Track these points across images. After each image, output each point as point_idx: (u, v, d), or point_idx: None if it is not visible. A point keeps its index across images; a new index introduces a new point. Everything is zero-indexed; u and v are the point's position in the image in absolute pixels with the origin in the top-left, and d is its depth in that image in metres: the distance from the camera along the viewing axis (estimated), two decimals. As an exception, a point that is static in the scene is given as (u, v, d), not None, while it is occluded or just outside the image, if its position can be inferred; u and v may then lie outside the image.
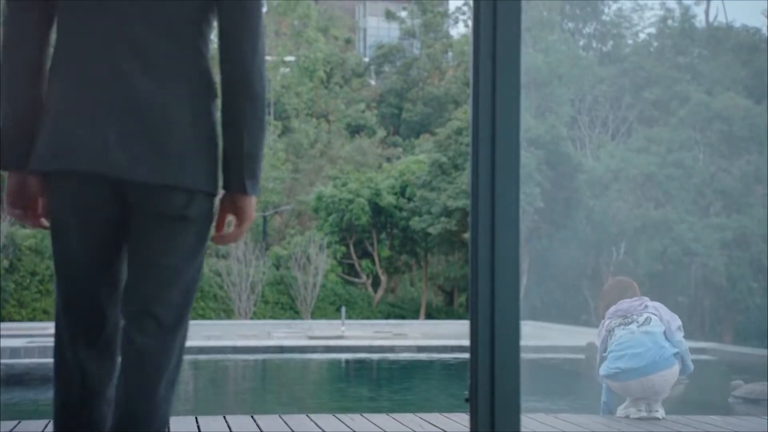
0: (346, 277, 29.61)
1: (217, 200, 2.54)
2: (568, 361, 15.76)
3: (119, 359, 2.54)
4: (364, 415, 6.07)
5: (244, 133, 2.45)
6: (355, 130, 36.06)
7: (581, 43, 33.66)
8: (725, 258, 24.64)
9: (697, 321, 24.67)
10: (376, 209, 29.07)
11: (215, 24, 2.52)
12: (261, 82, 2.47)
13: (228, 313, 25.94)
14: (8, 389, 10.79)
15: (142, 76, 2.40)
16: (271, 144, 32.46)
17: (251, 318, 25.93)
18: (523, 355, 2.41)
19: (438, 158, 27.87)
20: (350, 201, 28.68)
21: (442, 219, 27.34)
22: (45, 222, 2.57)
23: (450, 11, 39.76)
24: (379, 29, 50.12)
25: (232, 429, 5.22)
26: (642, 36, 33.92)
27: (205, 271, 23.26)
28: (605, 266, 25.44)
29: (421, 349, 17.32)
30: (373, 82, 40.39)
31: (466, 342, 2.50)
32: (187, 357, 2.69)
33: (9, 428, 5.16)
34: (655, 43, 32.02)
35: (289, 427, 5.41)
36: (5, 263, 24.59)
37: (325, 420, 5.74)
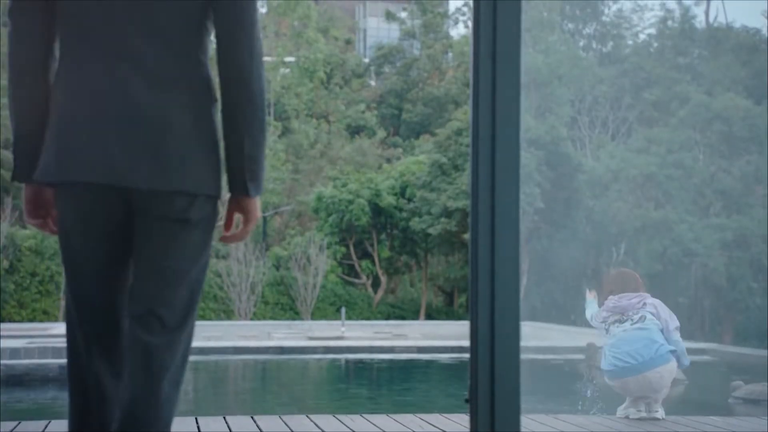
0: (346, 277, 29.61)
1: (221, 201, 2.59)
2: (568, 362, 15.76)
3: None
4: (364, 415, 6.07)
5: (245, 136, 2.49)
6: (355, 131, 36.06)
7: (581, 43, 33.66)
8: (725, 258, 24.64)
9: (697, 321, 24.67)
10: (376, 210, 29.07)
11: (212, 29, 2.55)
12: (260, 86, 2.50)
13: (228, 314, 25.95)
14: (8, 390, 10.79)
15: (142, 86, 2.44)
16: (271, 145, 32.46)
17: (251, 319, 25.93)
18: (523, 356, 2.41)
19: (438, 159, 27.87)
20: (350, 202, 28.68)
21: (442, 219, 27.34)
22: None
23: (450, 12, 39.76)
24: (379, 30, 50.12)
25: (232, 429, 5.22)
26: (642, 36, 33.93)
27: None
28: (605, 267, 25.44)
29: (421, 349, 17.32)
30: (373, 83, 40.39)
31: (466, 343, 2.50)
32: (187, 357, 2.70)
33: (9, 429, 5.16)
34: (655, 44, 32.03)
35: (289, 427, 5.41)
36: (5, 264, 24.59)
37: (325, 420, 5.74)
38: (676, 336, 6.30)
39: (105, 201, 2.48)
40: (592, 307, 6.67)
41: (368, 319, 27.31)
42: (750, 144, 25.75)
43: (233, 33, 2.49)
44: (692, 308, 24.81)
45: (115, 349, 2.57)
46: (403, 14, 40.41)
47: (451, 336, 19.45)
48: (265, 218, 30.74)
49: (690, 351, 6.48)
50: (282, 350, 17.00)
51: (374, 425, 5.59)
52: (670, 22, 31.12)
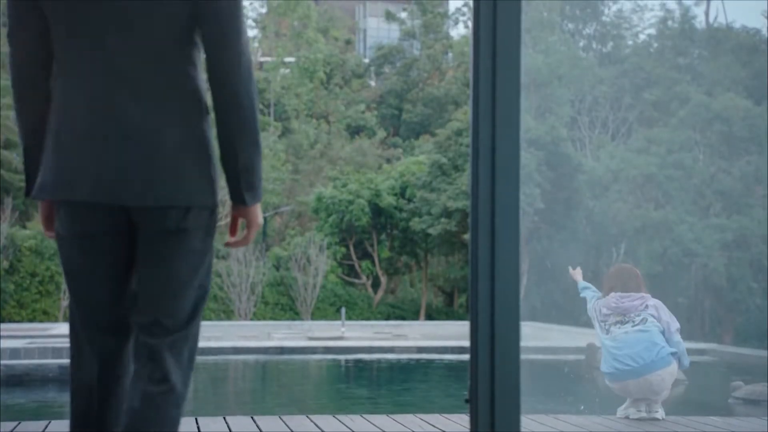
0: (346, 278, 29.60)
1: (220, 209, 2.69)
2: (568, 362, 15.76)
3: (132, 368, 2.63)
4: (364, 416, 6.07)
5: (238, 149, 2.55)
6: (355, 131, 36.06)
7: (581, 44, 33.66)
8: (725, 259, 24.63)
9: (697, 322, 24.67)
10: (376, 210, 29.07)
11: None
12: (249, 98, 2.54)
13: (228, 314, 25.94)
14: (8, 390, 10.79)
15: (133, 104, 2.49)
16: (271, 145, 32.46)
17: (251, 319, 25.93)
18: (523, 356, 2.41)
19: (438, 159, 27.87)
20: (350, 202, 28.67)
21: (442, 220, 27.33)
22: None
23: (450, 12, 39.77)
24: (379, 30, 50.13)
25: (232, 430, 5.22)
26: (642, 37, 33.92)
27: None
28: (605, 267, 25.42)
29: (421, 350, 17.32)
30: (373, 83, 40.39)
31: (466, 343, 2.50)
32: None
33: (9, 429, 5.17)
34: (655, 44, 32.02)
35: (289, 427, 5.41)
36: (5, 264, 24.59)
37: (325, 421, 5.74)
38: (677, 337, 6.29)
39: (104, 216, 2.54)
40: (587, 291, 6.64)
41: (368, 319, 27.31)
42: (750, 144, 25.74)
43: (219, 46, 2.52)
44: (692, 309, 24.80)
45: (117, 351, 2.62)
46: (403, 14, 40.42)
47: (451, 336, 19.44)
48: (265, 218, 30.69)
49: (690, 351, 6.47)
50: (282, 350, 17.00)
51: (374, 425, 5.59)
52: (670, 23, 31.12)
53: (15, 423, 5.50)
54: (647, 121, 28.68)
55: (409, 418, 5.94)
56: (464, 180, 26.67)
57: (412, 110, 36.22)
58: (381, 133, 35.96)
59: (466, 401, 2.47)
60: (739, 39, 28.98)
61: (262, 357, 16.57)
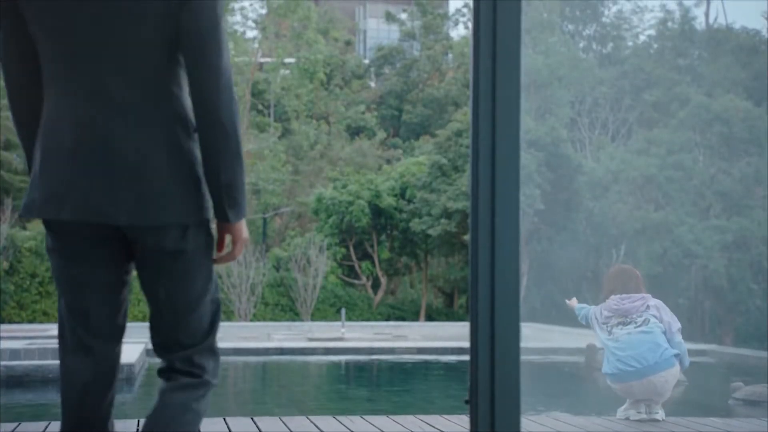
0: (346, 278, 29.60)
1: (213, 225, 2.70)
2: (568, 363, 15.76)
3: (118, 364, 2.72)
4: (364, 416, 6.07)
5: (220, 167, 2.56)
6: (355, 132, 36.06)
7: (581, 44, 33.65)
8: (725, 260, 24.63)
9: (697, 323, 24.67)
10: (376, 211, 29.07)
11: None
12: (229, 114, 2.55)
13: (228, 315, 25.94)
14: (8, 391, 10.79)
15: (119, 125, 2.51)
16: (272, 146, 32.46)
17: (251, 320, 25.93)
18: (523, 357, 2.41)
19: (438, 160, 27.87)
20: (350, 203, 28.67)
21: (442, 221, 27.33)
22: None
23: (450, 13, 39.76)
24: (379, 31, 50.12)
25: (232, 431, 5.22)
26: (642, 38, 33.92)
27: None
28: (605, 268, 25.43)
29: (421, 350, 17.31)
30: (373, 84, 40.39)
31: (466, 344, 2.50)
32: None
33: (9, 430, 5.17)
34: (655, 45, 32.02)
35: (289, 428, 5.42)
36: (5, 265, 24.59)
37: (325, 422, 5.74)
38: (679, 338, 6.29)
39: (93, 233, 2.56)
40: (582, 312, 6.64)
41: (368, 320, 27.31)
42: (750, 145, 25.74)
43: (199, 70, 2.54)
44: (692, 310, 24.80)
45: (109, 356, 2.67)
46: (403, 15, 40.41)
47: (451, 337, 19.43)
48: (264, 219, 30.75)
49: (690, 352, 6.47)
50: (282, 351, 17.00)
51: (374, 426, 5.59)
52: (670, 24, 31.12)
53: (15, 424, 5.51)
54: (647, 122, 28.68)
55: (409, 419, 5.94)
56: (464, 181, 26.67)
57: (412, 111, 36.22)
58: (381, 134, 35.96)
59: (466, 402, 2.47)
60: (739, 40, 28.98)
61: (262, 358, 16.57)
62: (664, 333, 6.25)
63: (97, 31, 2.51)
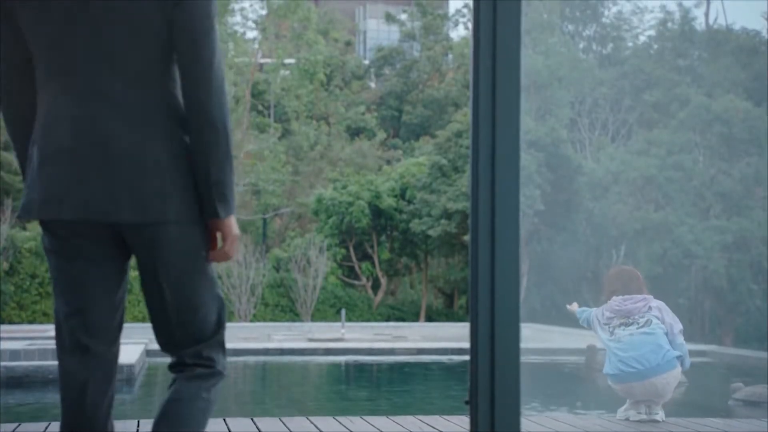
0: (346, 279, 29.60)
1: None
2: (568, 364, 15.76)
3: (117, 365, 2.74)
4: (364, 417, 6.07)
5: (210, 163, 2.58)
6: (355, 133, 36.06)
7: (581, 45, 33.65)
8: (725, 260, 24.62)
9: (697, 323, 24.66)
10: (376, 211, 29.07)
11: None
12: (220, 112, 2.57)
13: (228, 316, 25.88)
14: (8, 392, 10.79)
15: (116, 122, 2.53)
16: (272, 146, 32.46)
17: (251, 320, 25.93)
18: (523, 358, 2.41)
19: (438, 160, 27.87)
20: (350, 203, 28.67)
21: (442, 221, 27.33)
22: None
23: (450, 14, 39.76)
24: (379, 32, 50.11)
25: (232, 431, 5.22)
26: (642, 38, 33.93)
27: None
28: (605, 269, 25.42)
29: (421, 351, 17.31)
30: (373, 85, 40.39)
31: (466, 344, 2.50)
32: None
33: (9, 430, 5.17)
34: (655, 46, 32.03)
35: (288, 429, 5.42)
36: (5, 266, 24.58)
37: (325, 422, 5.74)
38: (680, 339, 6.29)
39: (92, 232, 2.58)
40: (583, 315, 6.63)
41: (368, 320, 27.30)
42: (750, 146, 25.74)
43: (190, 65, 2.57)
44: (692, 310, 24.80)
45: (106, 355, 2.69)
46: (403, 16, 40.41)
47: (451, 338, 19.43)
48: (264, 220, 30.74)
49: (690, 353, 6.47)
50: (282, 352, 16.99)
51: (374, 427, 5.60)
52: (669, 24, 31.12)
53: (15, 425, 5.51)
54: (647, 122, 28.68)
55: (409, 420, 5.94)
56: (464, 181, 26.67)
57: (412, 112, 36.22)
58: (381, 135, 35.96)
59: (466, 403, 2.47)
60: (739, 41, 28.98)
61: (262, 358, 16.57)
62: (666, 334, 6.24)
63: (94, 31, 2.53)
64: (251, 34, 37.75)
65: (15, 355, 12.58)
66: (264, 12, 36.38)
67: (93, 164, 2.52)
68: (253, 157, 31.68)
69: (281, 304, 27.91)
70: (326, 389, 14.24)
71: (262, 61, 37.39)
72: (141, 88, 2.56)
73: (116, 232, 2.59)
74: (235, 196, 2.75)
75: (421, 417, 6.08)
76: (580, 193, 26.49)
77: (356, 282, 29.65)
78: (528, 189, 24.74)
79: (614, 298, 6.42)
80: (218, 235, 2.68)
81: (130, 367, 11.42)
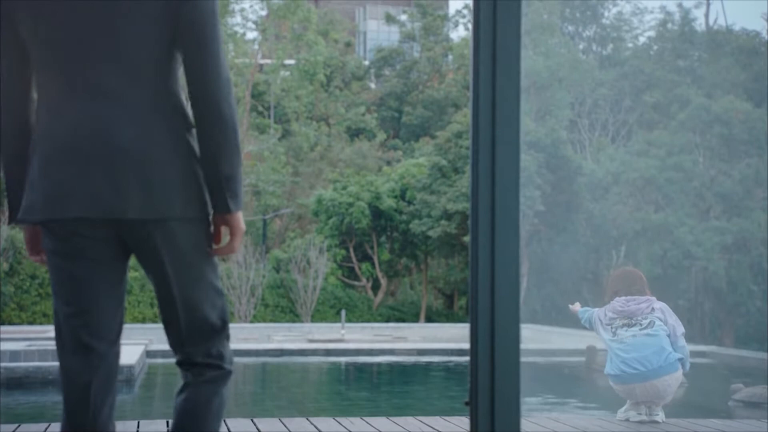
0: (346, 280, 29.60)
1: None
2: (568, 365, 15.76)
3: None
4: (364, 418, 6.07)
5: (220, 159, 2.60)
6: (355, 134, 36.07)
7: (581, 46, 33.67)
8: (725, 261, 24.63)
9: (697, 324, 24.67)
10: (376, 212, 29.07)
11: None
12: (229, 108, 2.60)
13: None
14: (8, 392, 10.78)
15: (121, 120, 2.54)
16: (272, 147, 32.46)
17: (251, 321, 25.93)
18: (523, 359, 2.41)
19: (438, 161, 27.87)
20: (350, 204, 28.68)
21: (442, 222, 27.33)
22: None
23: (450, 14, 39.78)
24: (379, 32, 50.16)
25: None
26: (642, 39, 33.96)
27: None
28: (605, 270, 25.43)
29: (421, 352, 17.31)
30: (373, 86, 40.40)
31: (466, 345, 2.50)
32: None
33: (9, 431, 5.17)
34: (655, 47, 32.05)
35: (288, 430, 5.42)
36: (5, 266, 24.59)
37: (325, 423, 5.74)
38: (682, 341, 6.28)
39: (97, 236, 2.59)
40: (585, 315, 6.63)
41: (368, 321, 27.30)
42: (750, 147, 25.75)
43: (199, 63, 2.58)
44: (692, 311, 24.81)
45: (108, 355, 2.68)
46: (403, 17, 40.43)
47: (451, 338, 19.43)
48: (264, 221, 30.74)
49: (690, 353, 6.47)
50: (282, 353, 16.99)
51: (374, 427, 5.60)
52: (669, 25, 31.14)
53: (15, 425, 5.51)
54: (647, 123, 28.69)
55: (409, 421, 5.94)
56: (464, 182, 26.67)
57: (412, 112, 36.23)
58: (381, 136, 35.97)
59: (466, 404, 2.46)
60: (739, 41, 29.00)
61: (262, 359, 16.56)
62: (669, 336, 6.24)
63: (98, 28, 2.53)
64: (251, 35, 37.81)
65: (15, 355, 12.58)
66: (264, 13, 36.39)
67: (98, 162, 2.52)
68: (253, 158, 31.68)
69: (281, 305, 27.91)
70: (326, 390, 14.24)
71: (262, 61, 37.40)
72: (145, 85, 2.57)
73: (118, 231, 2.60)
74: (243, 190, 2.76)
75: (421, 418, 6.07)
76: (580, 194, 26.50)
77: (356, 283, 29.65)
78: (528, 190, 24.74)
79: (617, 299, 6.42)
80: (223, 229, 2.69)
81: (130, 368, 11.42)
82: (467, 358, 2.47)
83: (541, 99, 28.56)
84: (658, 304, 6.37)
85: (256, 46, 37.10)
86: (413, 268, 31.09)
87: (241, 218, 2.67)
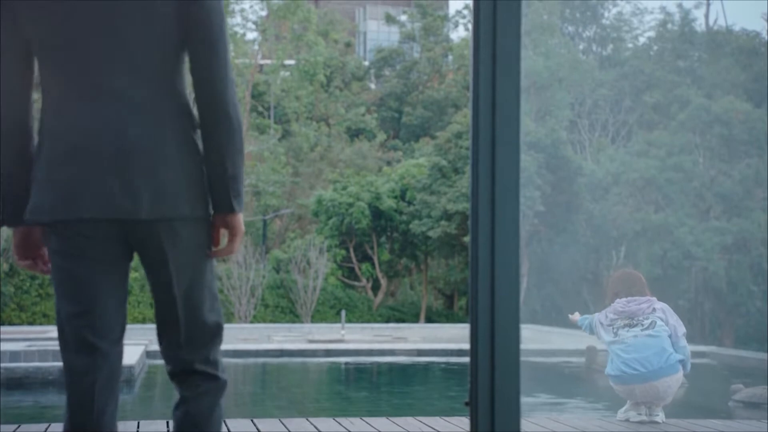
0: (346, 280, 29.60)
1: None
2: (568, 365, 15.76)
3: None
4: (364, 418, 6.07)
5: (226, 160, 2.62)
6: (355, 134, 36.07)
7: (581, 46, 33.67)
8: (725, 262, 24.63)
9: (697, 325, 24.66)
10: (376, 213, 29.07)
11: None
12: (235, 110, 2.63)
13: (228, 317, 25.94)
14: (8, 393, 10.78)
15: (129, 119, 2.55)
16: (272, 148, 32.46)
17: (251, 321, 25.93)
18: (523, 359, 2.41)
19: (438, 162, 27.87)
20: (350, 204, 28.68)
21: (442, 222, 27.33)
22: None
23: (450, 15, 39.78)
24: (379, 33, 50.16)
25: (232, 432, 5.22)
26: (642, 40, 33.95)
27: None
28: (605, 270, 25.44)
29: (421, 352, 17.31)
30: (373, 86, 40.40)
31: (466, 345, 2.50)
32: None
33: (9, 431, 5.17)
34: (655, 47, 32.04)
35: (288, 430, 5.42)
36: (5, 267, 24.59)
37: (325, 423, 5.74)
38: (683, 342, 6.28)
39: (102, 236, 2.59)
40: (585, 322, 6.62)
41: (368, 322, 27.30)
42: (750, 147, 25.74)
43: (208, 66, 2.60)
44: (692, 311, 24.80)
45: (112, 356, 2.68)
46: (403, 17, 40.43)
47: (451, 339, 19.43)
48: (264, 221, 30.74)
49: (690, 354, 6.47)
50: (282, 353, 16.99)
51: (374, 428, 5.60)
52: (669, 26, 31.14)
53: (15, 426, 5.51)
54: (647, 124, 28.69)
55: (409, 421, 5.94)
56: (464, 182, 26.68)
57: (412, 113, 36.23)
58: (381, 136, 35.97)
59: (466, 404, 2.47)
60: (739, 42, 29.00)
61: (262, 359, 16.56)
62: (670, 336, 6.23)
63: (107, 28, 2.54)
64: (251, 35, 37.82)
65: (15, 356, 12.58)
66: (264, 13, 36.39)
67: (108, 162, 2.53)
68: (253, 159, 31.67)
69: (281, 305, 27.91)
70: (326, 390, 14.24)
71: (262, 62, 37.40)
72: (152, 85, 2.57)
73: (124, 230, 2.60)
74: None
75: (421, 418, 6.07)
76: (580, 194, 26.49)
77: (356, 283, 29.65)
78: (528, 190, 24.74)
79: (618, 300, 6.41)
80: (222, 231, 2.70)
81: (130, 368, 11.42)
82: (467, 358, 2.47)
83: (541, 99, 28.56)
84: (659, 305, 6.37)
85: (256, 47, 37.10)
86: (413, 269, 31.09)
87: (241, 219, 2.68)
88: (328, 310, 27.98)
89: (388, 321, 28.03)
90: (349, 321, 24.49)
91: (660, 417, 6.22)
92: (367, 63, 41.91)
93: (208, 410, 2.69)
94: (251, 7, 36.35)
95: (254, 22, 36.62)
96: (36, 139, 2.65)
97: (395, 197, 29.30)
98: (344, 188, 29.29)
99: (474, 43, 2.44)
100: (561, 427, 6.13)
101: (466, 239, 24.74)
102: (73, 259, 2.61)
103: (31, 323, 24.56)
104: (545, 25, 29.85)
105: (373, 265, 29.74)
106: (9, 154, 2.65)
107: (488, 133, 2.43)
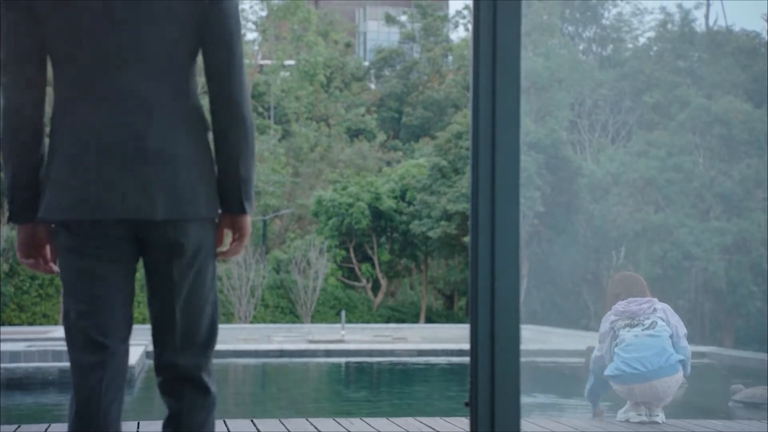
0: (346, 280, 29.60)
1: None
2: (568, 365, 15.76)
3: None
4: (364, 419, 6.07)
5: (240, 162, 2.65)
6: (355, 134, 36.06)
7: (581, 47, 33.66)
8: (725, 262, 24.62)
9: (697, 325, 24.66)
10: (376, 213, 29.07)
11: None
12: (249, 113, 2.66)
13: (228, 317, 25.94)
14: (8, 393, 10.78)
15: (145, 121, 2.56)
16: (272, 148, 32.46)
17: (251, 322, 25.92)
18: (523, 359, 2.41)
19: (438, 162, 27.87)
20: (350, 205, 28.67)
21: (442, 223, 27.33)
22: (55, 267, 2.74)
23: (450, 15, 39.77)
24: (379, 33, 50.15)
25: (232, 433, 5.22)
26: (642, 40, 33.94)
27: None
28: (605, 270, 25.44)
29: (421, 352, 17.31)
30: (373, 86, 40.39)
31: (466, 345, 2.50)
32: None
33: (9, 432, 5.17)
34: (655, 47, 32.03)
35: (288, 430, 5.42)
36: (5, 267, 24.58)
37: (325, 424, 5.75)
38: (684, 342, 6.28)
39: (115, 236, 2.60)
40: (591, 355, 6.60)
41: (368, 322, 27.29)
42: (750, 147, 25.74)
43: (225, 69, 2.63)
44: (692, 312, 24.79)
45: (119, 355, 2.73)
46: (403, 17, 40.42)
47: (451, 339, 19.42)
48: (264, 221, 30.75)
49: (690, 354, 6.47)
50: (282, 353, 16.98)
51: (374, 428, 5.60)
52: (669, 26, 31.13)
53: (15, 426, 5.51)
54: (647, 124, 28.68)
55: (409, 421, 5.94)
56: (464, 183, 26.67)
57: (412, 113, 36.22)
58: (381, 136, 35.97)
59: (466, 404, 2.47)
60: (739, 42, 28.99)
61: (261, 360, 16.56)
62: (671, 337, 6.23)
63: (125, 31, 2.55)
64: (251, 36, 37.76)
65: (15, 356, 12.57)
66: (264, 13, 36.40)
67: (125, 163, 2.54)
68: (253, 159, 31.62)
69: (281, 306, 27.91)
70: (326, 391, 14.24)
71: (262, 62, 37.40)
72: (169, 87, 2.59)
73: (136, 230, 2.61)
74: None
75: (421, 418, 6.08)
76: (580, 194, 26.48)
77: (356, 283, 29.65)
78: (528, 191, 24.74)
79: (618, 302, 6.42)
80: (226, 231, 2.71)
81: (131, 368, 11.41)
82: (467, 359, 2.47)
83: (541, 100, 28.56)
84: (660, 305, 6.37)
85: (256, 47, 37.09)
86: (413, 269, 31.09)
87: (249, 221, 2.70)
88: (328, 311, 27.98)
89: (388, 321, 28.02)
90: (349, 321, 24.49)
91: (660, 417, 6.22)
92: (367, 63, 41.91)
93: (200, 424, 2.68)
94: (251, 7, 36.36)
95: (254, 23, 36.62)
96: (47, 136, 2.66)
97: (395, 197, 29.30)
98: (344, 188, 29.29)
99: (474, 44, 2.44)
100: (561, 427, 6.13)
101: (466, 239, 24.74)
102: (85, 257, 2.61)
103: (31, 323, 24.55)
104: (545, 26, 29.85)
105: (373, 265, 29.74)
106: (19, 151, 2.64)
107: (488, 134, 2.43)
